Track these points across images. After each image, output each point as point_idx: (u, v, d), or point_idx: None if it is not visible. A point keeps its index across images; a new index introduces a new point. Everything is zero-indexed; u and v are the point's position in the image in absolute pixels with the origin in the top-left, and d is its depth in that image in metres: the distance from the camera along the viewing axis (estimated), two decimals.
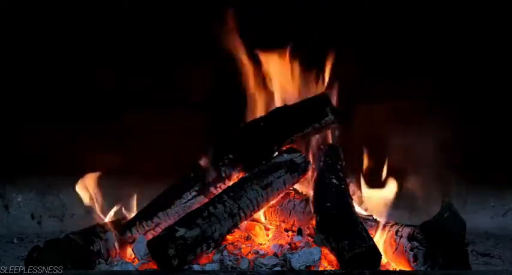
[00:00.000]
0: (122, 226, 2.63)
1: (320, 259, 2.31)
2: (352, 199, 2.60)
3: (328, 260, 2.38)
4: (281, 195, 2.68)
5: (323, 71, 2.95)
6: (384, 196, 2.73)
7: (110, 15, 3.37)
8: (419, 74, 3.45)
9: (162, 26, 3.41)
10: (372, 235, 2.40)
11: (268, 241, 2.61)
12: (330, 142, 2.95)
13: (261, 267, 2.30)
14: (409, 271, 2.33)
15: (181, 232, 2.27)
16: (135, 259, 2.47)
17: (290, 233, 2.64)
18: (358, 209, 2.65)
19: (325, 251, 2.36)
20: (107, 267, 2.38)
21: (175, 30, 3.41)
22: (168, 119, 3.42)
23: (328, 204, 2.49)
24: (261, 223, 2.72)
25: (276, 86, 2.93)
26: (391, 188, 2.76)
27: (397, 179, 2.77)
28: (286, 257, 2.33)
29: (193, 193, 2.67)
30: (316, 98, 2.81)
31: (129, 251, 2.56)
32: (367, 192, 2.84)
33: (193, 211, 2.45)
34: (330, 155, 2.84)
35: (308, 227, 2.61)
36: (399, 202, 2.68)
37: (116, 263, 2.38)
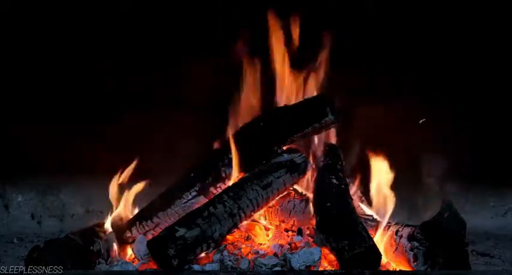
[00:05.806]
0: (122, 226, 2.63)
1: (320, 259, 2.31)
2: (352, 199, 2.60)
3: (328, 260, 2.38)
4: (281, 195, 2.68)
5: (322, 71, 2.95)
6: (384, 195, 2.72)
7: (110, 15, 3.37)
8: (420, 74, 3.45)
9: (163, 26, 3.41)
10: (372, 235, 2.40)
11: (268, 241, 2.60)
12: (330, 141, 2.94)
13: (261, 267, 2.30)
14: (409, 271, 2.33)
15: (181, 232, 2.27)
16: (135, 259, 2.47)
17: (290, 233, 2.63)
18: (357, 209, 2.65)
19: (325, 251, 2.37)
20: (107, 267, 2.38)
21: (175, 30, 3.41)
22: (168, 119, 3.42)
23: (328, 204, 2.49)
24: (261, 223, 2.72)
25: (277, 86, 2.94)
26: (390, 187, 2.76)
27: (396, 178, 2.77)
28: (286, 257, 2.33)
29: (193, 193, 2.66)
30: (316, 98, 2.81)
31: (129, 251, 2.56)
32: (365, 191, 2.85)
33: (193, 211, 2.45)
34: (330, 155, 2.84)
35: (308, 227, 2.61)
36: (399, 202, 2.67)
37: (116, 263, 2.38)
